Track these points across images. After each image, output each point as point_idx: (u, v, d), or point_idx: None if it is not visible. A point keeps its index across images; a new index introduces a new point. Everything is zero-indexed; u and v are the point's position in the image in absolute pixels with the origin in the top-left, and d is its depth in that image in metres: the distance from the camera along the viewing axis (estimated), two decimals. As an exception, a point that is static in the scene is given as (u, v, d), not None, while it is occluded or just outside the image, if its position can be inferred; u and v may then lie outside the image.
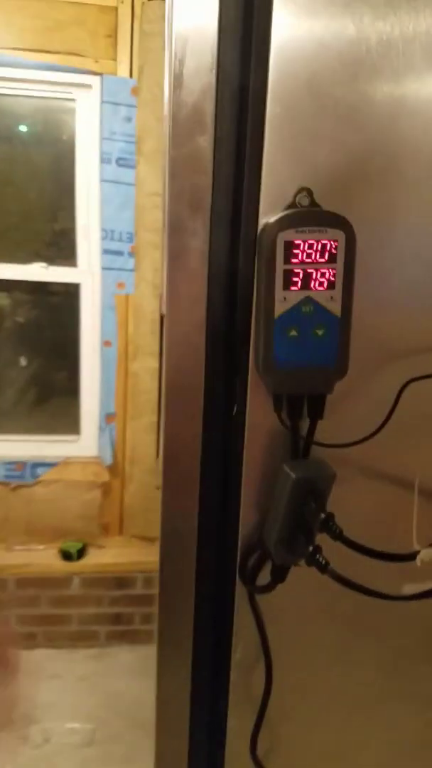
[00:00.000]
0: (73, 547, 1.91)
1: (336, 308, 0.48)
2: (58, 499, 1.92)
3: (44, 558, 1.93)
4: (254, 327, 0.50)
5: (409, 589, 0.47)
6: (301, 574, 0.55)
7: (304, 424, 0.53)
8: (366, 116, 0.48)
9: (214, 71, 0.48)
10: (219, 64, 0.48)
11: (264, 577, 0.56)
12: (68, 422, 2.05)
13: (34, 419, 2.11)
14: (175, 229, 0.50)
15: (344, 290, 0.48)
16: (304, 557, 0.50)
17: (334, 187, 0.49)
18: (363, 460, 0.54)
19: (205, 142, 0.49)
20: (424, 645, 0.59)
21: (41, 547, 1.97)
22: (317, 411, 0.52)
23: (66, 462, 1.96)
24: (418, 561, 0.47)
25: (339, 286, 0.48)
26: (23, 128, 1.89)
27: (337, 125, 0.48)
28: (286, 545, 0.52)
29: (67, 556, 1.91)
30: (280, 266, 0.47)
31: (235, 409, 0.54)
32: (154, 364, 1.90)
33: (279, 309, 0.48)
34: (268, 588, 0.55)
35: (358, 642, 0.59)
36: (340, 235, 0.47)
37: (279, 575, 0.54)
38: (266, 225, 0.47)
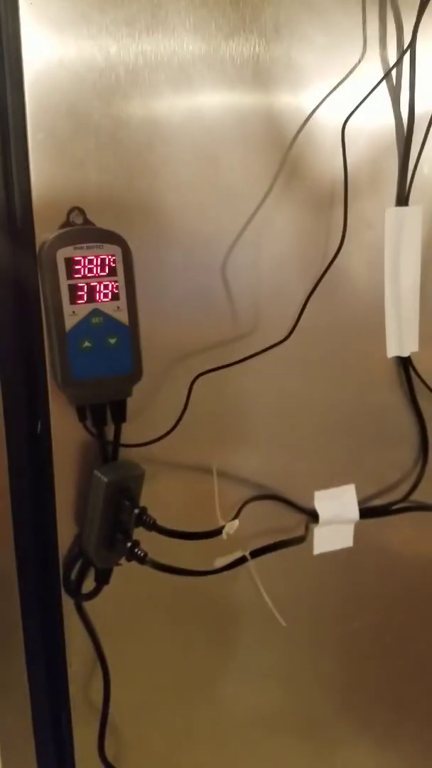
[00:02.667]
0: None
1: (123, 317, 0.52)
2: None
3: None
4: (47, 342, 0.51)
5: (220, 562, 0.53)
6: (121, 575, 0.57)
7: (110, 429, 0.55)
8: (124, 140, 0.52)
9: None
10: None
11: (88, 586, 0.57)
12: None
13: None
14: None
15: (128, 300, 0.52)
16: (124, 555, 0.53)
17: (104, 206, 0.52)
18: (169, 456, 0.59)
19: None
20: (245, 619, 0.65)
21: None
22: (120, 415, 0.55)
23: None
24: (224, 534, 0.53)
25: (123, 296, 0.51)
26: None
27: (98, 150, 0.51)
28: (106, 547, 0.54)
29: None
30: (64, 282, 0.49)
31: (39, 425, 0.55)
32: None
33: (69, 323, 0.50)
34: (94, 593, 0.57)
35: (184, 627, 0.63)
36: (116, 249, 0.51)
37: (103, 578, 0.56)
38: (44, 244, 0.49)
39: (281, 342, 0.59)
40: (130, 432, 0.56)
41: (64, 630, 0.58)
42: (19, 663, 0.57)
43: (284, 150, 0.58)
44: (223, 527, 0.53)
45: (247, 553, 0.53)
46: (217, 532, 0.52)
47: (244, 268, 0.59)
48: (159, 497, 0.58)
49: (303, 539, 0.58)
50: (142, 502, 0.56)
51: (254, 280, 0.60)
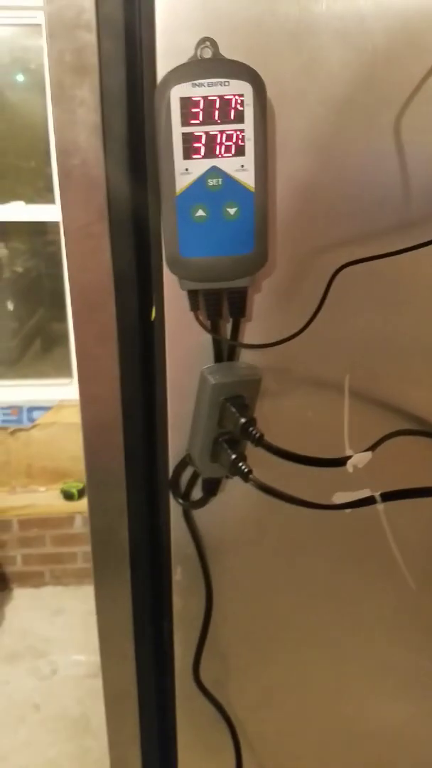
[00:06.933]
0: (74, 486, 1.92)
1: (248, 179, 0.41)
2: (55, 441, 1.91)
3: (46, 499, 1.94)
4: (162, 212, 0.43)
5: (340, 497, 0.42)
6: (241, 488, 0.50)
7: (228, 325, 0.46)
8: None
9: None
10: None
11: (198, 492, 0.51)
12: (61, 366, 2.02)
13: (28, 365, 2.09)
14: (59, 99, 0.42)
15: (256, 157, 0.40)
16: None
17: (243, 38, 0.41)
18: (297, 363, 0.48)
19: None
20: (363, 560, 0.54)
21: (43, 488, 1.98)
22: (239, 308, 0.45)
23: (60, 405, 1.94)
24: (349, 466, 0.42)
25: (250, 151, 0.40)
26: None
27: None
28: (210, 456, 0.47)
29: (68, 495, 1.92)
30: (177, 129, 0.40)
31: (153, 312, 0.49)
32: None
33: (181, 183, 0.41)
34: (201, 503, 0.51)
35: (298, 559, 0.55)
36: (246, 87, 0.39)
37: (209, 489, 0.50)
38: (159, 81, 0.40)
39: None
40: (255, 332, 0.47)
41: (171, 536, 0.53)
42: (123, 566, 0.55)
43: None
44: (349, 457, 0.42)
45: (377, 495, 0.41)
46: (341, 461, 0.42)
47: (429, 128, 0.43)
48: (280, 412, 0.49)
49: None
50: (259, 414, 0.47)
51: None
